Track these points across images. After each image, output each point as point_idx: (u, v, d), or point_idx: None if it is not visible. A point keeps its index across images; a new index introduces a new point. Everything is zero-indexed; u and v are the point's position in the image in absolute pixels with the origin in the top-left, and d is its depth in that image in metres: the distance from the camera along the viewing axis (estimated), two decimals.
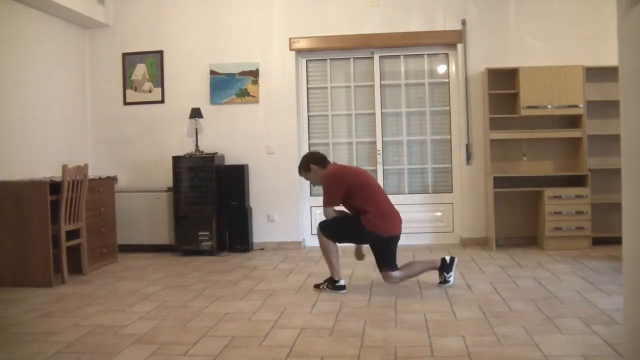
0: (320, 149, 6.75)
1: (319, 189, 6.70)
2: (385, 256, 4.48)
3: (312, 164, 4.56)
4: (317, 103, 6.86)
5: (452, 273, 4.50)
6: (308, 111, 6.84)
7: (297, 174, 6.55)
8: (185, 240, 6.31)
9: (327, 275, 4.56)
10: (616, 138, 3.62)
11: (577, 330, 3.33)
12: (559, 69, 6.08)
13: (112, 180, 6.06)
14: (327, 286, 4.46)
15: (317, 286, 4.53)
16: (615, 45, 2.57)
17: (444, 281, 4.50)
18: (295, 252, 6.38)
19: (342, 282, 4.45)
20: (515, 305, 3.90)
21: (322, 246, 4.44)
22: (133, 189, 6.67)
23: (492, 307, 3.87)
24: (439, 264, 4.53)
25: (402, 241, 4.64)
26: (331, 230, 4.41)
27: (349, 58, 6.78)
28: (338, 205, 4.49)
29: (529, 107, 6.09)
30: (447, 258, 4.53)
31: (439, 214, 6.69)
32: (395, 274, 4.48)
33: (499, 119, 6.26)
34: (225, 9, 6.73)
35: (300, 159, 4.74)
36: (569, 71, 6.07)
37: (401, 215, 4.55)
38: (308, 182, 6.80)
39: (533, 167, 6.36)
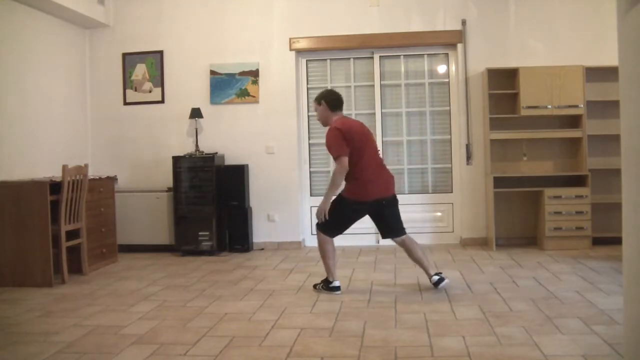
0: (320, 149, 6.77)
1: (319, 189, 6.78)
2: (383, 225, 4.42)
3: (325, 101, 4.45)
4: None
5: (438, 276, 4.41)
6: (308, 111, 6.84)
7: (297, 173, 6.66)
8: (185, 240, 6.31)
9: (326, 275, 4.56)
10: (616, 138, 3.62)
11: (577, 330, 3.33)
12: (559, 69, 6.08)
13: (112, 180, 6.06)
14: (322, 287, 4.46)
15: (315, 286, 4.54)
16: (615, 45, 2.57)
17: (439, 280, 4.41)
18: (295, 252, 6.38)
19: (336, 283, 4.42)
20: (515, 305, 3.90)
21: (319, 247, 4.43)
22: (133, 189, 6.67)
23: (492, 307, 3.87)
24: (430, 274, 4.41)
25: None
26: (325, 224, 4.34)
27: (349, 58, 6.77)
28: (347, 154, 4.22)
29: (529, 107, 6.09)
30: (435, 279, 4.38)
31: (439, 214, 6.68)
32: (400, 237, 4.42)
33: (499, 119, 6.26)
34: (225, 9, 6.73)
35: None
36: (569, 71, 6.06)
37: (401, 215, 4.48)
38: (308, 182, 6.84)
39: (533, 167, 6.35)
